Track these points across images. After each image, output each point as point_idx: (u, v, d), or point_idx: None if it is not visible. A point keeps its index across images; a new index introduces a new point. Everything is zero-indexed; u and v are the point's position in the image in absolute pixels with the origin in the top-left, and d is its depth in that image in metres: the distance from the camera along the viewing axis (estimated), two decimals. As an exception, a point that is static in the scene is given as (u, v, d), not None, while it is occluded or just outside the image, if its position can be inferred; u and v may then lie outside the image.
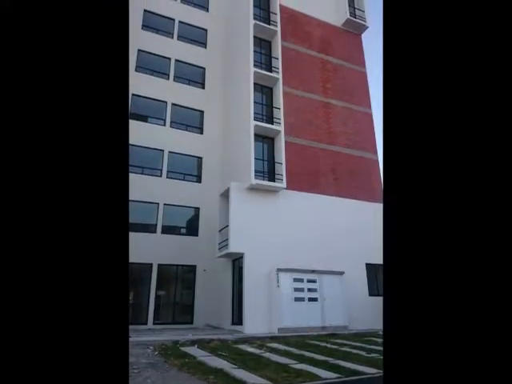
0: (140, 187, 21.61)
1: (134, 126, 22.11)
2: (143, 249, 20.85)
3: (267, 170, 21.35)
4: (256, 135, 20.77)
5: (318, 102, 24.39)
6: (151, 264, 21.72)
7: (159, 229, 22.71)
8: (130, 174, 20.04)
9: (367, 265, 21.49)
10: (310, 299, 18.65)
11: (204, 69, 27.89)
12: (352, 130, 24.88)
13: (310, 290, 18.78)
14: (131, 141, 20.62)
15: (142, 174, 22.95)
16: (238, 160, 22.15)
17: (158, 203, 23.00)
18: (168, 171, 24.02)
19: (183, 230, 24.10)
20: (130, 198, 17.28)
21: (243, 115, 22.11)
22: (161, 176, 23.74)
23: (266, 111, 22.88)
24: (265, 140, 21.85)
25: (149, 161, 23.74)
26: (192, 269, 22.82)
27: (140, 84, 24.26)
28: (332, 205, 21.75)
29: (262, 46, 24.39)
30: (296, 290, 18.48)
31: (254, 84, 21.86)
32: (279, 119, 21.87)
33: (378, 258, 20.29)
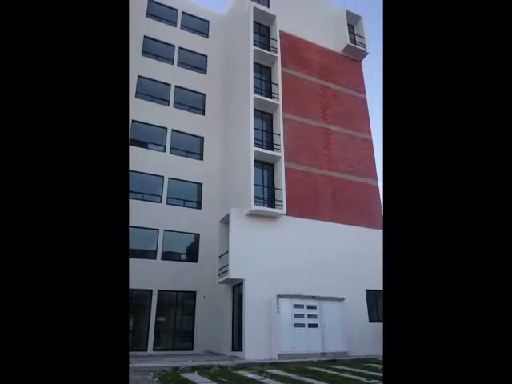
0: (140, 213, 21.58)
1: (134, 152, 22.13)
2: (143, 275, 20.75)
3: (267, 196, 21.35)
4: (256, 161, 20.85)
5: (318, 128, 24.51)
6: (151, 290, 21.60)
7: (159, 255, 22.61)
8: (130, 201, 20.07)
9: (367, 291, 21.38)
10: (310, 325, 18.53)
11: (204, 95, 28.06)
12: (352, 156, 24.95)
13: (310, 316, 18.67)
14: (131, 167, 20.72)
15: (142, 200, 22.93)
16: (238, 186, 22.15)
17: (158, 229, 22.94)
18: (168, 197, 23.99)
19: (183, 256, 23.99)
20: (130, 224, 17.30)
21: (243, 141, 22.18)
22: (161, 202, 23.69)
23: (265, 137, 22.94)
24: (265, 166, 21.91)
25: (149, 187, 23.74)
26: (192, 295, 22.67)
27: (140, 110, 24.36)
28: (332, 231, 21.73)
29: (262, 72, 24.57)
30: (296, 316, 18.38)
31: (254, 110, 21.99)
32: (279, 145, 21.94)
33: (378, 284, 20.22)
